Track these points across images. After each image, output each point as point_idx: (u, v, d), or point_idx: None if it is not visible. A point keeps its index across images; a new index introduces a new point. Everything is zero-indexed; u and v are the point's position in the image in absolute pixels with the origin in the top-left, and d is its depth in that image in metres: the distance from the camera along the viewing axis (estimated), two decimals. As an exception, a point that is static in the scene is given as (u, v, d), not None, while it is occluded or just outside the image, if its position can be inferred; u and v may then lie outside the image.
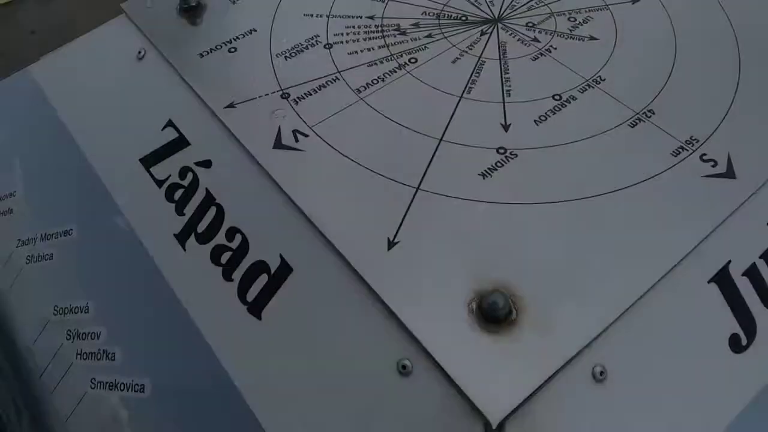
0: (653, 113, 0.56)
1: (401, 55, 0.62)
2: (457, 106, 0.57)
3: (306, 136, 0.55)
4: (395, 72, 0.61)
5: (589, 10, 0.67)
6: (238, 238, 0.52)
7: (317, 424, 0.44)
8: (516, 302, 0.44)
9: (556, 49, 0.63)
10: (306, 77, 0.60)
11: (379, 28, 0.66)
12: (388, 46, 0.63)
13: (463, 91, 0.58)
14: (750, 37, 0.62)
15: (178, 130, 0.59)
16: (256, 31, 0.66)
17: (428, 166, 0.52)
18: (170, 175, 0.57)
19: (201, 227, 0.54)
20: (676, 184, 0.51)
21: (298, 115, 0.57)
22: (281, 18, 0.67)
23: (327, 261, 0.48)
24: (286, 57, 0.63)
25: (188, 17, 0.68)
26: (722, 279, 0.47)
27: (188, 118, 0.59)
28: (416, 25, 0.66)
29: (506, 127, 0.55)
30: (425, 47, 0.63)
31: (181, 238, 0.54)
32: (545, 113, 0.56)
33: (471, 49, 0.63)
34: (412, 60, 0.62)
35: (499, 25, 0.66)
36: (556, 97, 0.58)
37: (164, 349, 0.53)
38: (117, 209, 0.59)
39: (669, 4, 0.66)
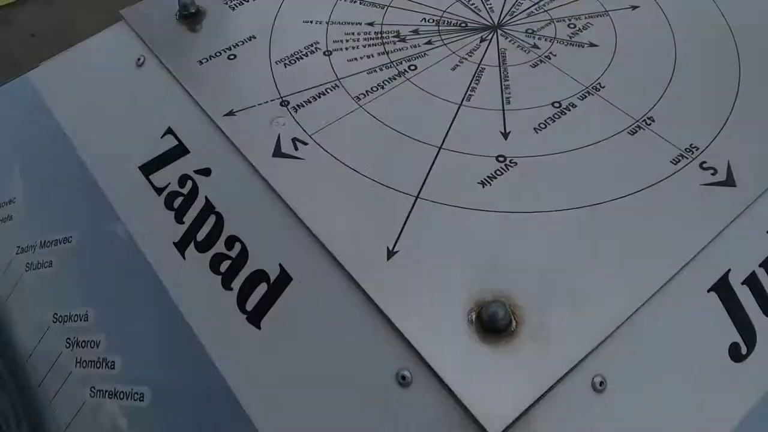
0: (653, 121, 0.56)
1: (401, 62, 0.62)
2: (456, 114, 0.57)
3: (305, 144, 0.55)
4: (395, 79, 0.61)
5: (589, 17, 0.67)
6: (238, 246, 0.52)
7: (317, 435, 0.44)
8: (516, 312, 0.44)
9: (555, 55, 0.62)
10: (305, 85, 0.60)
11: (379, 35, 0.66)
12: (387, 53, 0.63)
13: (463, 99, 0.58)
14: (750, 44, 0.62)
15: (177, 138, 0.59)
16: (255, 37, 0.66)
17: (428, 175, 0.52)
18: (170, 183, 0.57)
19: (200, 235, 0.54)
20: (676, 192, 0.51)
21: (298, 123, 0.57)
22: (281, 24, 0.67)
23: (326, 270, 0.48)
24: (285, 64, 0.63)
25: (187, 24, 0.68)
26: (722, 288, 0.47)
27: (188, 126, 0.59)
28: (416, 31, 0.66)
29: (506, 135, 0.55)
30: (425, 54, 0.63)
31: (181, 246, 0.54)
32: (545, 121, 0.56)
33: (470, 55, 0.63)
34: (412, 67, 0.62)
35: (499, 32, 0.66)
36: (556, 105, 0.58)
37: (164, 358, 0.53)
38: (116, 217, 0.59)
39: (669, 11, 0.66)
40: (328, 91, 0.60)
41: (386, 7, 0.69)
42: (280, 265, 0.49)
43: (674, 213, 0.49)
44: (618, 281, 0.46)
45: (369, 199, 0.51)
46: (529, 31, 0.66)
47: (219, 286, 0.51)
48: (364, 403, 0.43)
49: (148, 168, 0.59)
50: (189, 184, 0.56)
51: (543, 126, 0.56)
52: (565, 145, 0.54)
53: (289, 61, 0.63)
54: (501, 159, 0.53)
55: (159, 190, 0.57)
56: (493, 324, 0.42)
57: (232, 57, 0.64)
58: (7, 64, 2.12)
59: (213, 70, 0.63)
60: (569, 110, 0.57)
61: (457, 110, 0.57)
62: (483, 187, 0.51)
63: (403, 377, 0.42)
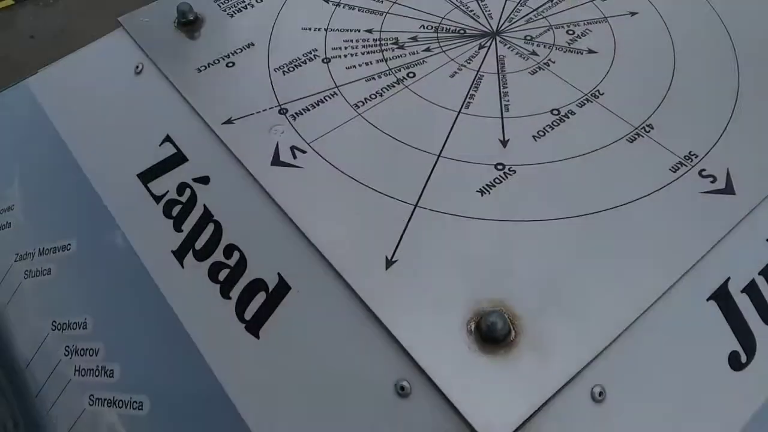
0: (652, 128, 0.56)
1: (399, 70, 0.62)
2: (455, 122, 0.57)
3: (304, 152, 0.55)
4: (393, 87, 0.61)
5: (588, 23, 0.67)
6: (236, 255, 0.52)
7: (315, 445, 0.44)
8: (515, 322, 0.44)
9: (554, 62, 0.62)
10: (304, 92, 0.60)
11: (377, 42, 0.65)
12: (386, 60, 0.63)
13: (462, 106, 0.58)
14: (749, 51, 0.62)
15: (175, 146, 0.59)
16: (253, 45, 0.66)
17: (426, 183, 0.52)
18: (168, 191, 0.57)
19: (199, 244, 0.54)
20: (675, 200, 0.51)
21: (296, 131, 0.57)
22: (279, 32, 0.67)
23: (325, 280, 0.48)
24: (284, 71, 0.63)
25: (186, 31, 0.68)
26: (721, 296, 0.47)
27: (186, 134, 0.59)
28: (414, 38, 0.66)
29: (505, 143, 0.55)
30: (423, 61, 0.63)
31: (179, 254, 0.54)
32: (544, 128, 0.56)
33: (469, 62, 0.63)
34: (411, 74, 0.62)
35: (498, 39, 0.66)
36: (555, 112, 0.57)
37: (162, 367, 0.53)
38: (115, 224, 0.59)
39: (668, 17, 0.66)
40: (327, 98, 0.60)
41: (385, 14, 0.69)
42: (279, 274, 0.49)
43: (673, 221, 0.49)
44: (617, 290, 0.46)
45: (367, 207, 0.51)
46: (528, 37, 0.65)
47: (218, 295, 0.51)
48: (362, 413, 0.43)
49: (147, 176, 0.59)
50: (187, 192, 0.56)
51: (542, 134, 0.56)
52: (564, 152, 0.54)
53: (288, 69, 0.63)
54: (500, 167, 0.53)
55: (157, 198, 0.57)
56: (492, 334, 0.42)
57: (230, 64, 0.64)
58: (7, 66, 2.12)
59: (211, 77, 0.63)
60: (568, 117, 0.57)
61: (456, 118, 0.57)
62: (482, 195, 0.51)
63: (402, 388, 0.42)
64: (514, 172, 0.53)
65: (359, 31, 0.67)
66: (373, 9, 0.69)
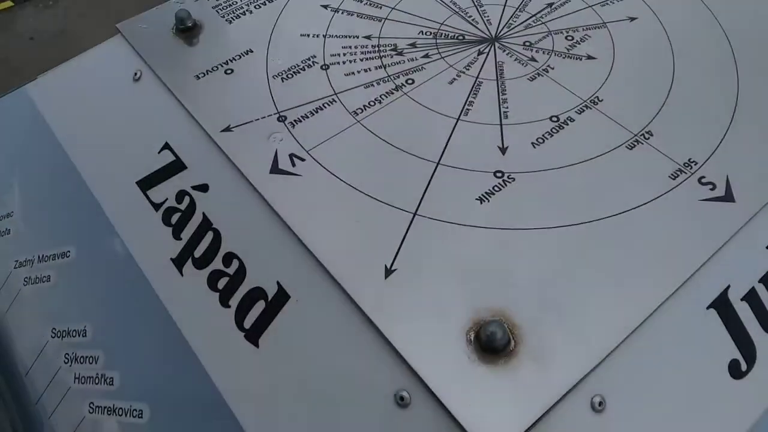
0: (651, 135, 0.56)
1: (398, 76, 0.62)
2: (454, 129, 0.57)
3: (303, 160, 0.55)
4: (392, 93, 0.61)
5: (587, 29, 0.67)
6: (236, 263, 0.52)
7: (315, 455, 0.44)
8: (514, 332, 0.43)
9: (553, 68, 0.62)
10: (303, 99, 0.60)
11: (376, 48, 0.65)
12: (385, 67, 0.63)
13: (461, 113, 0.58)
14: (749, 57, 0.62)
15: (174, 154, 0.59)
16: (252, 51, 0.66)
17: (425, 191, 0.52)
18: (167, 199, 0.57)
19: (198, 252, 0.54)
20: (675, 208, 0.50)
21: (295, 138, 0.57)
22: (278, 38, 0.67)
23: (324, 289, 0.48)
24: (282, 78, 0.63)
25: (184, 38, 0.68)
26: (721, 304, 0.47)
27: (185, 142, 0.59)
28: (413, 45, 0.66)
29: (504, 150, 0.55)
30: (422, 68, 0.63)
31: (179, 262, 0.54)
32: (543, 135, 0.56)
33: (468, 69, 0.63)
34: (409, 81, 0.62)
35: (496, 45, 0.66)
36: (554, 119, 0.57)
37: (162, 375, 0.53)
38: (114, 232, 0.58)
39: (667, 23, 0.66)
40: (326, 105, 0.60)
41: (383, 20, 0.69)
42: (278, 282, 0.49)
43: (673, 229, 0.49)
44: (617, 299, 0.45)
45: (367, 216, 0.51)
46: (527, 43, 0.65)
47: (217, 304, 0.51)
48: (362, 423, 0.43)
49: (146, 183, 0.59)
50: (186, 199, 0.56)
51: (541, 140, 0.56)
52: (564, 160, 0.54)
53: (287, 76, 0.63)
54: (499, 174, 0.53)
55: (156, 206, 0.57)
56: (491, 344, 0.42)
57: (229, 71, 0.64)
58: (7, 67, 2.12)
59: (210, 84, 0.63)
60: (567, 124, 0.57)
61: (455, 125, 0.57)
62: (481, 203, 0.51)
63: (402, 398, 0.42)
64: (514, 179, 0.53)
65: (358, 37, 0.67)
66: (371, 15, 0.69)
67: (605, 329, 0.44)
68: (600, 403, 0.42)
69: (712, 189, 0.52)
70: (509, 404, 0.41)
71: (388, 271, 0.47)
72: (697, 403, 0.44)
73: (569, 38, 0.66)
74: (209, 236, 0.54)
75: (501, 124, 0.57)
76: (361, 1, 0.71)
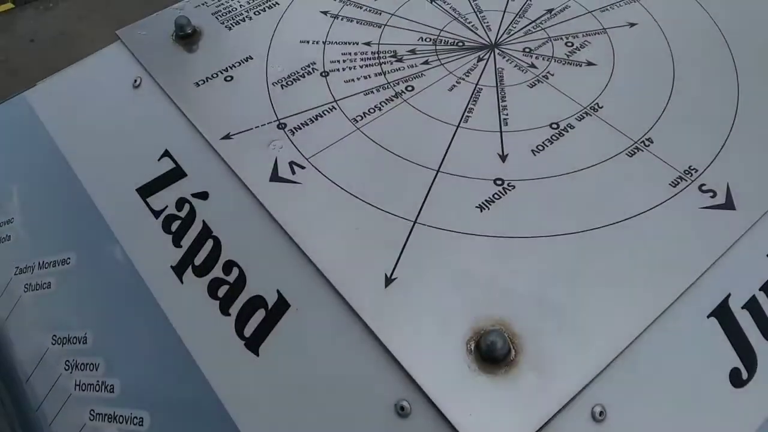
0: (651, 142, 0.55)
1: (398, 83, 0.62)
2: (454, 136, 0.57)
3: (302, 168, 0.55)
4: (392, 100, 0.61)
5: (587, 35, 0.66)
6: (236, 271, 0.52)
7: (315, 465, 0.44)
8: (514, 341, 0.43)
9: (553, 75, 0.62)
10: (302, 106, 0.60)
11: (376, 55, 0.65)
12: (384, 74, 0.63)
13: (460, 120, 0.58)
14: (749, 64, 0.62)
15: (174, 161, 0.59)
16: (252, 58, 0.66)
17: (425, 199, 0.52)
18: (167, 206, 0.57)
19: (198, 260, 0.53)
20: (676, 216, 0.50)
21: (295, 146, 0.57)
22: (277, 45, 0.67)
23: (324, 298, 0.48)
24: (282, 85, 0.63)
25: (184, 44, 0.68)
26: (722, 313, 0.47)
27: (184, 149, 0.59)
28: (413, 51, 0.66)
29: (503, 158, 0.55)
30: (422, 74, 0.63)
31: (179, 270, 0.54)
32: (543, 143, 0.56)
33: (468, 75, 0.63)
34: (409, 88, 0.62)
35: (496, 51, 0.66)
36: (554, 126, 0.57)
37: (163, 383, 0.53)
38: (114, 239, 0.58)
39: (667, 28, 0.66)
40: (326, 113, 0.60)
41: (383, 27, 0.68)
42: (278, 291, 0.49)
43: (674, 237, 0.49)
44: (617, 308, 0.45)
45: (367, 224, 0.51)
46: (527, 49, 0.65)
47: (217, 312, 0.51)
48: (362, 433, 0.43)
49: (146, 190, 0.59)
50: (186, 207, 0.56)
51: (541, 148, 0.56)
52: (564, 167, 0.54)
53: (286, 83, 0.63)
54: (499, 182, 0.53)
55: (156, 213, 0.57)
56: (491, 354, 0.42)
57: (228, 78, 0.64)
58: (7, 69, 2.12)
59: (210, 91, 0.63)
60: (567, 131, 0.57)
61: (455, 132, 0.57)
62: (481, 211, 0.51)
63: (402, 408, 0.42)
64: (514, 187, 0.53)
65: (357, 43, 0.67)
66: (371, 21, 0.69)
67: (606, 338, 0.44)
68: (601, 413, 0.42)
69: (712, 197, 0.51)
70: (510, 414, 0.41)
71: (389, 280, 0.47)
72: (698, 412, 0.44)
73: (569, 44, 0.65)
74: (209, 244, 0.54)
75: (501, 131, 0.57)
76: (361, 8, 0.71)
